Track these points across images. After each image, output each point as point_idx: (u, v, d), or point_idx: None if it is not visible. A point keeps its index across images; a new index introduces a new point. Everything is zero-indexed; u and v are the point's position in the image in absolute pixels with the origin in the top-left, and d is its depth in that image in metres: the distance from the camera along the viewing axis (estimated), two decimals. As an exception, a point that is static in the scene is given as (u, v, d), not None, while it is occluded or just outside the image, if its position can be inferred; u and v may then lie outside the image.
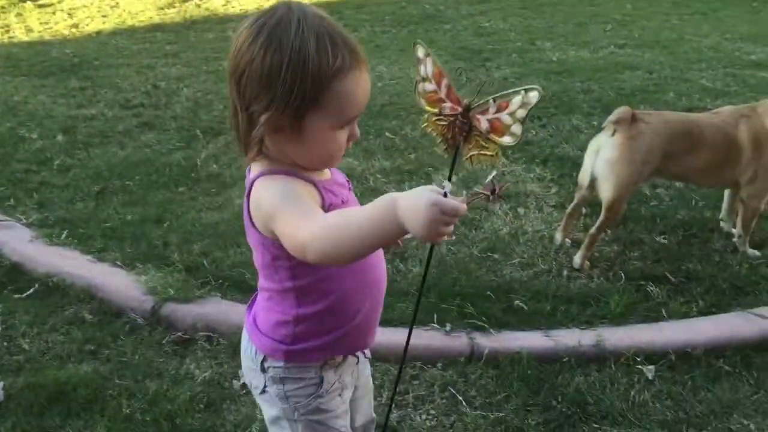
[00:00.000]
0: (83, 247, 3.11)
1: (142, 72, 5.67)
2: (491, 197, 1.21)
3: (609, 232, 3.19)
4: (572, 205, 3.16)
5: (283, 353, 1.41)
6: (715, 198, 3.47)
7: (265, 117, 1.22)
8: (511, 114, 1.15)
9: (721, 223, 3.33)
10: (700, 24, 7.01)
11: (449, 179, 1.13)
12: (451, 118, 1.23)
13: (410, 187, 3.85)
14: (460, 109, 1.21)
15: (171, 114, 4.74)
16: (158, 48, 6.41)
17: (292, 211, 1.20)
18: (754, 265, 3.01)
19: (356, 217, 1.13)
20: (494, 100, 1.17)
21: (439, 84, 1.25)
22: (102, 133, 4.42)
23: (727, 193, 3.30)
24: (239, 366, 2.43)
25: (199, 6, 8.06)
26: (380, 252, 1.46)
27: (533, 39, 6.48)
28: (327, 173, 1.39)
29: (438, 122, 1.27)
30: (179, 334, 2.58)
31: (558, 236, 3.18)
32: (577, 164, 3.20)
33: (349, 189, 1.43)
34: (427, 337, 2.54)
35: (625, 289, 2.84)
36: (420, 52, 1.27)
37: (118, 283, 2.82)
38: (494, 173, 1.23)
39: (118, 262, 2.97)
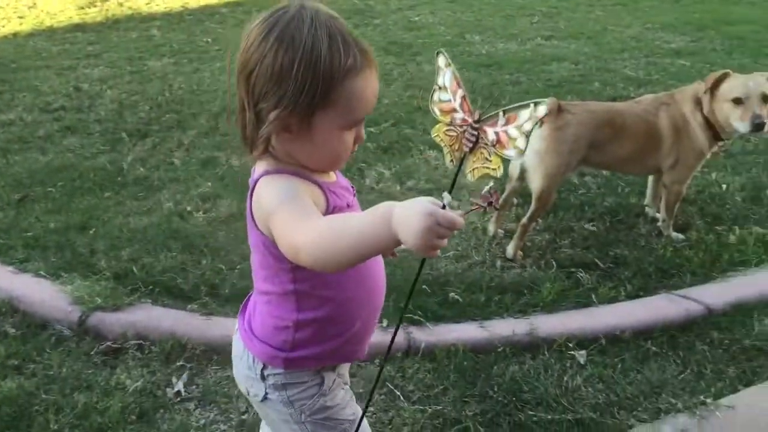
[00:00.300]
0: (4, 258, 2.98)
1: (63, 74, 5.47)
2: (487, 208, 1.21)
3: (540, 221, 3.25)
4: (503, 196, 3.20)
5: (282, 360, 1.39)
6: (640, 184, 3.58)
7: (274, 115, 1.20)
8: (518, 127, 1.14)
9: (647, 209, 3.44)
10: (621, 15, 7.20)
11: (450, 191, 1.11)
12: (461, 129, 1.23)
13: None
14: (470, 120, 1.21)
15: (94, 117, 4.59)
16: (79, 49, 6.19)
17: (291, 211, 1.19)
18: (678, 248, 3.11)
19: (352, 224, 1.11)
20: (503, 113, 1.16)
21: (454, 94, 1.25)
22: (21, 139, 4.25)
23: (650, 179, 3.41)
24: (172, 373, 2.38)
25: (121, 5, 7.83)
26: (380, 258, 1.45)
27: (462, 32, 6.54)
28: (332, 176, 1.37)
29: (447, 133, 1.27)
30: (108, 343, 2.50)
31: (491, 227, 3.22)
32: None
33: (354, 195, 1.42)
34: (364, 334, 2.54)
35: (556, 276, 2.90)
36: (441, 61, 1.26)
37: (42, 294, 2.72)
38: (490, 184, 1.23)
39: (42, 272, 2.86)
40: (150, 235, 3.14)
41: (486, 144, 1.18)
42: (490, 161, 1.19)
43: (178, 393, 2.29)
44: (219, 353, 2.42)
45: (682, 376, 2.36)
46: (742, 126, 2.88)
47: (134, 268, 2.88)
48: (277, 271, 1.33)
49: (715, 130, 3.00)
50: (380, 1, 7.77)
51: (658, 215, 3.31)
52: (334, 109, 1.22)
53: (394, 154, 4.02)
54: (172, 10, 7.62)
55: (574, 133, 2.90)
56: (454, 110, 1.25)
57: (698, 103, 3.00)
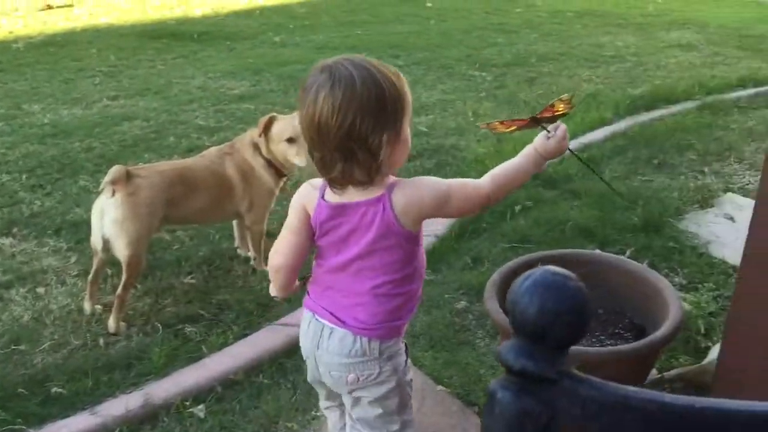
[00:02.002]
0: None
1: None
2: None
3: (138, 286, 3.21)
4: (93, 271, 3.09)
5: (397, 329, 1.71)
6: (229, 229, 3.74)
7: (386, 137, 1.54)
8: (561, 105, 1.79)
9: (238, 251, 3.63)
10: (184, 67, 7.42)
11: (548, 131, 1.73)
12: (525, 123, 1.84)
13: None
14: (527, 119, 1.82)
15: None
16: None
17: (458, 182, 1.69)
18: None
19: (511, 168, 1.72)
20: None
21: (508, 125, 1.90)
22: None
23: (235, 222, 3.61)
24: None
25: None
26: None
27: (18, 103, 6.05)
28: None
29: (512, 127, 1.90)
30: None
31: (87, 306, 3.07)
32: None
33: None
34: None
35: (164, 338, 2.90)
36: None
37: None
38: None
39: None
40: None
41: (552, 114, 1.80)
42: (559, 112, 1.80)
43: None
44: None
45: (294, 398, 2.56)
46: (299, 161, 3.22)
47: None
48: (410, 256, 1.67)
49: (277, 168, 3.31)
50: None
51: (249, 254, 3.52)
52: (406, 113, 1.60)
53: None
54: None
55: (148, 195, 2.93)
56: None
57: (257, 147, 3.28)
